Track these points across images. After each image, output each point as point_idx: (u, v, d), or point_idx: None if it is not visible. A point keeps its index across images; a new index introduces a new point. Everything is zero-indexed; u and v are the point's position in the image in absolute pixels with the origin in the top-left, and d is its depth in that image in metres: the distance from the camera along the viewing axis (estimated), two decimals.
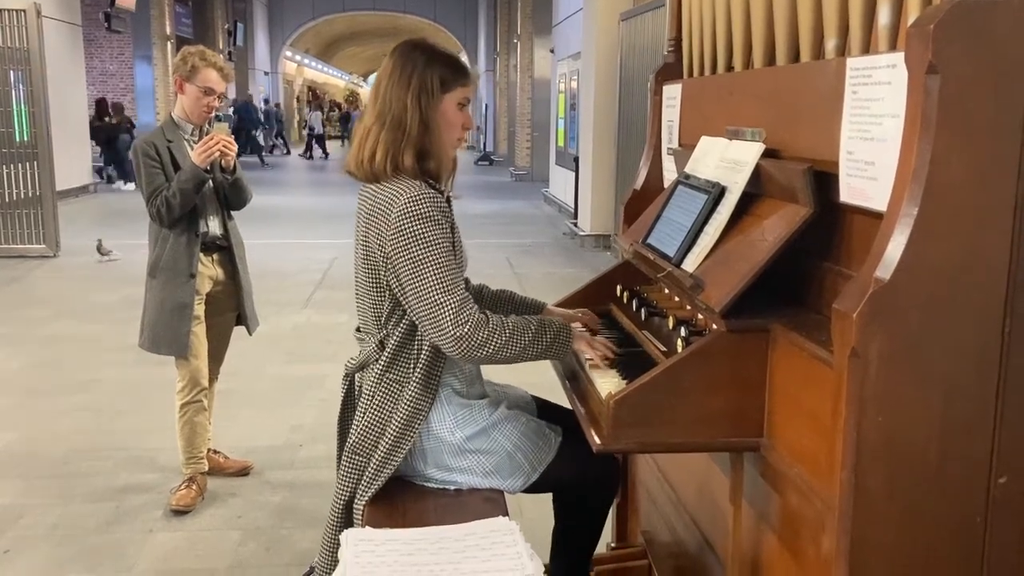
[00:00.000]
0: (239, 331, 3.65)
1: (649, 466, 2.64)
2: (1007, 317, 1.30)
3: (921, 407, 1.31)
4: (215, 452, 3.67)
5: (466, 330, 1.86)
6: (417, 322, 1.92)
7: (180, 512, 3.33)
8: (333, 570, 1.94)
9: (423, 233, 1.87)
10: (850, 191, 1.54)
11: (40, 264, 8.70)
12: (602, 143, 9.99)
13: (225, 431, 3.87)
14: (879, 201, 1.42)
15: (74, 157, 13.35)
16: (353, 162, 2.00)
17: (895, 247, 1.27)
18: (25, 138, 9.41)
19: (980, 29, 1.24)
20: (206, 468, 3.49)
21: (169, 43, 19.35)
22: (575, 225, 10.86)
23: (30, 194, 9.29)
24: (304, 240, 10.27)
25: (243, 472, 3.69)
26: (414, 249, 1.87)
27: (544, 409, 2.28)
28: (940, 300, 1.28)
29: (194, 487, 3.41)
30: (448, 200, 2.01)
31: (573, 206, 11.44)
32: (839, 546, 1.34)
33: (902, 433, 1.31)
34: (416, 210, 1.88)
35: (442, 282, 1.87)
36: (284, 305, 6.77)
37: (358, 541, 1.63)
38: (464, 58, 2.14)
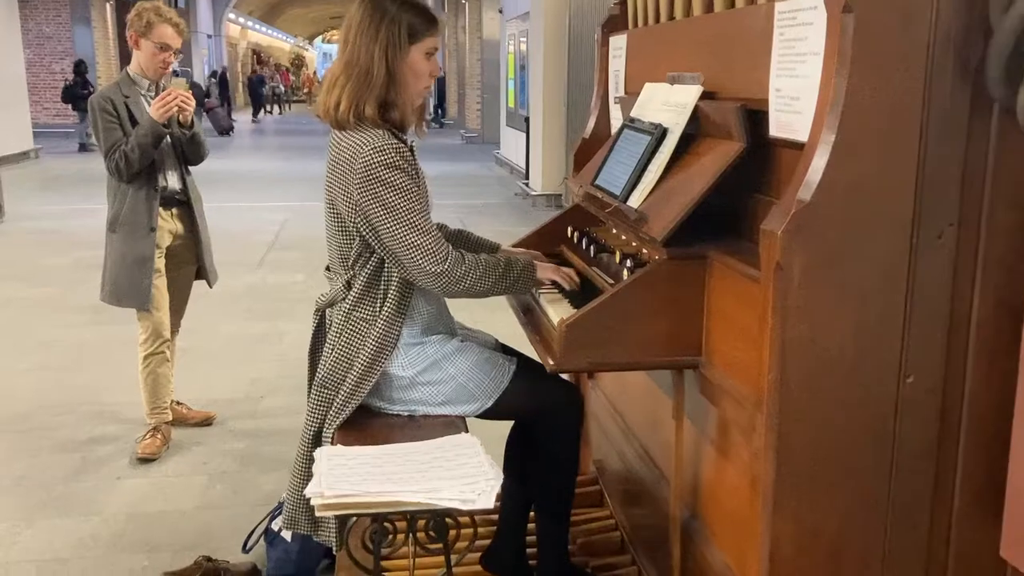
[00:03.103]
0: (194, 292, 3.71)
1: (600, 399, 2.80)
2: (914, 232, 1.46)
3: (838, 314, 1.46)
4: (178, 403, 3.75)
5: (445, 267, 1.97)
6: (394, 263, 2.02)
7: (146, 460, 3.41)
8: (303, 495, 2.05)
9: (391, 180, 1.96)
10: (778, 125, 1.68)
11: None
12: (552, 103, 10.09)
13: (186, 386, 3.93)
14: (804, 133, 1.56)
15: (12, 123, 13.04)
16: (321, 108, 2.08)
17: (814, 171, 1.42)
18: None
19: None
20: (170, 418, 3.58)
21: (108, 4, 18.89)
22: (527, 185, 10.97)
23: None
24: (254, 203, 10.22)
25: (206, 422, 3.78)
26: (384, 195, 1.96)
27: (506, 352, 2.38)
28: (855, 217, 1.44)
29: (159, 436, 3.49)
30: (411, 148, 2.10)
31: (524, 167, 11.54)
32: (767, 441, 1.50)
33: (822, 338, 1.47)
34: (381, 159, 1.96)
35: (415, 224, 1.97)
36: (237, 265, 6.77)
37: (331, 456, 1.76)
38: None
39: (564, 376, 2.33)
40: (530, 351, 2.20)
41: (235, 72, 34.15)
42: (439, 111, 23.24)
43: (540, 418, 2.19)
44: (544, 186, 10.29)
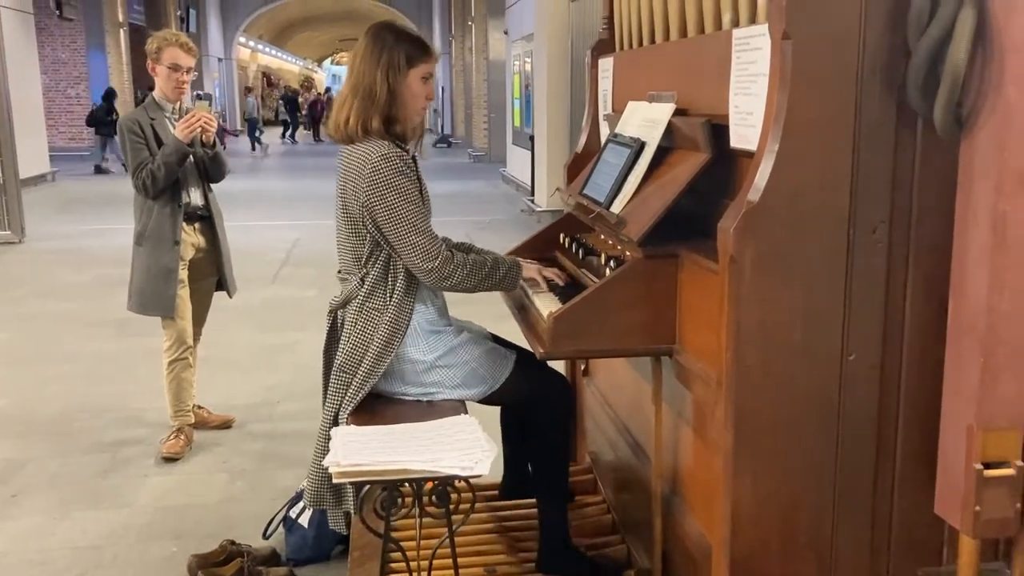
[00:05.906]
0: (213, 305, 3.96)
1: (594, 393, 3.01)
2: (851, 228, 1.68)
3: (786, 300, 1.68)
4: (199, 407, 3.97)
5: (435, 264, 2.23)
6: (396, 256, 2.26)
7: (170, 459, 3.64)
8: (324, 470, 2.27)
9: (394, 183, 2.22)
10: (737, 138, 1.90)
11: (7, 250, 8.84)
12: (556, 122, 10.35)
13: (206, 392, 4.15)
14: (756, 144, 1.78)
15: (31, 147, 13.35)
16: (332, 126, 2.34)
17: (761, 176, 1.64)
18: None
19: (822, 4, 1.61)
20: (193, 420, 3.80)
21: (122, 30, 19.30)
22: (532, 202, 11.21)
23: None
24: (267, 222, 10.49)
25: (226, 425, 4.01)
26: (388, 197, 2.22)
27: (498, 343, 2.62)
28: (798, 215, 1.65)
29: (182, 437, 3.71)
30: (413, 159, 2.35)
31: (530, 184, 11.79)
32: (726, 413, 1.71)
33: (772, 321, 1.68)
34: (388, 165, 2.23)
35: (413, 224, 2.23)
36: (252, 281, 7.01)
37: (346, 434, 1.98)
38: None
39: (557, 368, 2.55)
40: (524, 344, 2.43)
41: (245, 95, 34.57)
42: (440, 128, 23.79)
43: (536, 404, 2.42)
44: (549, 203, 10.51)
